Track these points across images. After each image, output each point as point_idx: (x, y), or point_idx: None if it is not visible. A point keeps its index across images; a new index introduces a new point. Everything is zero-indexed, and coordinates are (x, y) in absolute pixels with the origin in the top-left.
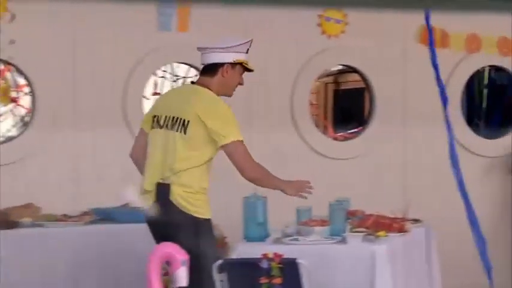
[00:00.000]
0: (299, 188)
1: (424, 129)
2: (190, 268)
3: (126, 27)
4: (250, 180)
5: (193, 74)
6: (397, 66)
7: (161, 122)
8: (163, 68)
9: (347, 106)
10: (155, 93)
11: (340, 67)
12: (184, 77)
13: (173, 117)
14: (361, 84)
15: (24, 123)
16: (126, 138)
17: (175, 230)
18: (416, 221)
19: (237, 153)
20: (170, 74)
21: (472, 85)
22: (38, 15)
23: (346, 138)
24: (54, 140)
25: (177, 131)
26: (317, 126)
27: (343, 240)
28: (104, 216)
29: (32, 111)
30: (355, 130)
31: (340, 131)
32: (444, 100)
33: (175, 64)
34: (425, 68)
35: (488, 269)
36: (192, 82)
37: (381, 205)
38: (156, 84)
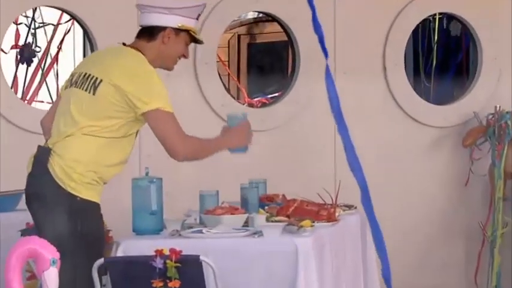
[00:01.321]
0: (245, 136)
1: (360, 91)
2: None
3: None
4: (184, 160)
5: (65, 20)
6: (326, 12)
7: (73, 79)
8: (26, 13)
9: (265, 64)
10: (16, 47)
11: (256, 15)
12: (54, 25)
13: (85, 74)
14: (283, 37)
15: None
16: None
17: (44, 208)
18: (349, 207)
19: (163, 125)
20: (36, 20)
21: (420, 38)
22: None
23: (264, 104)
24: None
25: (85, 90)
26: (228, 89)
27: (259, 232)
28: None
29: None
30: (276, 94)
31: (257, 96)
32: (324, 51)
33: (42, 8)
34: (360, 16)
35: (386, 277)
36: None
37: (306, 188)
38: (18, 35)
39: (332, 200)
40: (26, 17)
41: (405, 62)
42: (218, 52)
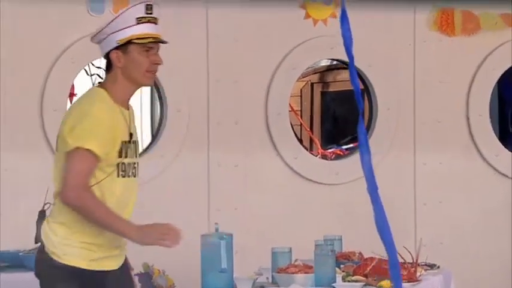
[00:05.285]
0: (154, 235)
1: (441, 142)
2: None
3: (48, 7)
4: (69, 205)
5: None
6: (405, 60)
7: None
8: (96, 63)
9: (340, 113)
10: (71, 96)
11: (330, 62)
12: None
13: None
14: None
15: None
16: (46, 157)
17: (38, 278)
18: (431, 266)
19: (69, 163)
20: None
21: (507, 85)
22: None
23: (338, 156)
24: None
25: (56, 149)
26: (300, 140)
27: None
28: (12, 262)
29: None
30: (351, 145)
31: (331, 147)
32: (359, 103)
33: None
34: (442, 63)
35: None
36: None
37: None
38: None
39: (413, 258)
40: (96, 67)
41: (490, 112)
42: (290, 101)
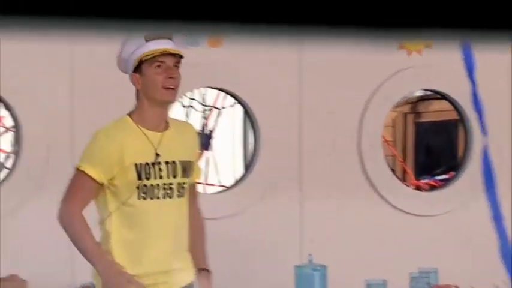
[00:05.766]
0: (111, 277)
1: None
2: None
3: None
4: (59, 223)
5: (229, 104)
6: (503, 89)
7: None
8: (190, 95)
9: (434, 144)
10: None
11: (423, 93)
12: (216, 108)
13: None
14: (453, 115)
15: None
16: None
17: None
18: None
19: (69, 183)
20: (200, 102)
21: None
22: None
23: (433, 188)
24: (39, 199)
25: None
26: (393, 171)
27: None
28: None
29: None
30: (446, 177)
31: (425, 178)
32: (482, 126)
33: (205, 89)
34: None
35: None
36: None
37: (480, 278)
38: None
39: None
40: (190, 98)
41: None
42: (383, 131)
